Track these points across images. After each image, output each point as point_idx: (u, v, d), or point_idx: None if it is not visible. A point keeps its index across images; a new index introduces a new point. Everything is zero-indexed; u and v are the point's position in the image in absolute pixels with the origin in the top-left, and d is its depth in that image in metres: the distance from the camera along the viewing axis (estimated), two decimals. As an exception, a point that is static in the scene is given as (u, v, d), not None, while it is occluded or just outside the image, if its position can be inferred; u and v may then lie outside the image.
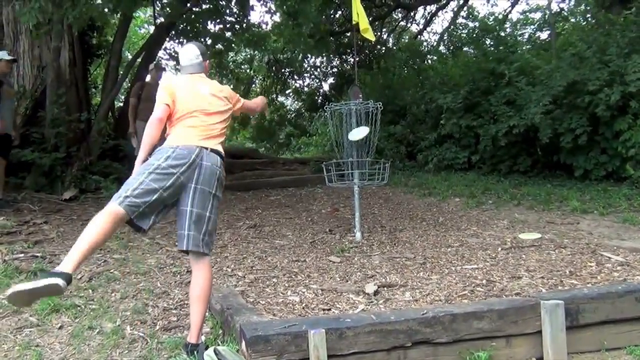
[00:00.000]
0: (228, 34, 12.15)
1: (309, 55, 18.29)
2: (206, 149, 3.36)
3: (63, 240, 5.95)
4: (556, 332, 3.26)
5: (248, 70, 21.63)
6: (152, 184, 3.14)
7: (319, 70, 21.29)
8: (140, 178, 3.16)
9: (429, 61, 17.56)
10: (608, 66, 8.79)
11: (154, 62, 9.24)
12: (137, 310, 4.09)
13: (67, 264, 2.95)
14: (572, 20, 17.49)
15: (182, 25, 11.34)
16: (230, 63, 19.18)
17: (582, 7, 16.49)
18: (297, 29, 12.86)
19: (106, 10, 8.41)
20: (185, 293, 4.46)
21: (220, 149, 3.48)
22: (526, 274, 4.69)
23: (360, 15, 6.59)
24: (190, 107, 3.46)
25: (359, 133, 5.96)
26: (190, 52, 3.69)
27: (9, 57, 7.25)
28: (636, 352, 3.36)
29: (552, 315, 3.27)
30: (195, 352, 3.18)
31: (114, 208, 3.08)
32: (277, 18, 14.69)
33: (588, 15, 15.11)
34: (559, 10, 17.84)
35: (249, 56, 20.25)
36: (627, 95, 8.31)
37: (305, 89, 22.19)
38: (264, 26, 14.87)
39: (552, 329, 3.26)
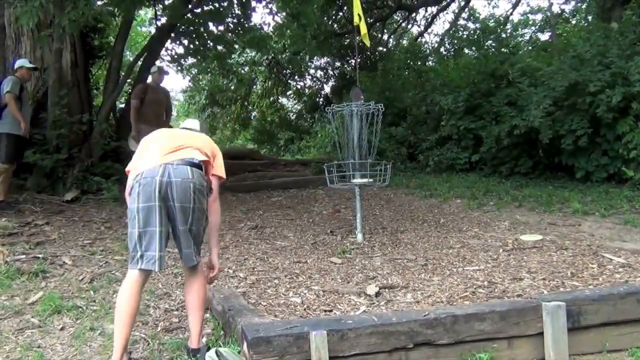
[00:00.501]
0: (229, 35, 12.15)
1: (310, 57, 18.31)
2: (171, 164, 3.20)
3: (64, 242, 5.95)
4: (558, 333, 3.26)
5: (249, 72, 21.62)
6: (149, 227, 3.11)
7: (320, 71, 21.32)
8: (136, 230, 3.12)
9: (431, 62, 17.58)
10: (609, 68, 8.78)
11: (156, 65, 9.25)
12: (138, 312, 4.08)
13: (116, 353, 3.07)
14: (573, 21, 17.51)
15: (183, 27, 11.33)
16: (233, 64, 19.17)
17: (583, 8, 16.51)
18: (299, 30, 12.87)
19: (104, 12, 8.42)
20: (187, 294, 4.47)
21: (191, 156, 3.29)
22: (528, 275, 4.69)
23: (361, 19, 6.61)
24: (158, 140, 3.43)
25: None
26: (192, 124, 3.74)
27: (30, 65, 7.55)
28: (638, 354, 3.35)
29: (553, 317, 3.26)
30: (197, 356, 3.18)
31: (136, 275, 3.13)
32: (278, 19, 14.71)
33: (589, 17, 15.13)
34: (559, 12, 17.85)
35: (250, 57, 20.23)
36: (629, 97, 8.30)
37: (307, 90, 22.21)
38: (265, 27, 14.90)
39: (554, 331, 3.26)
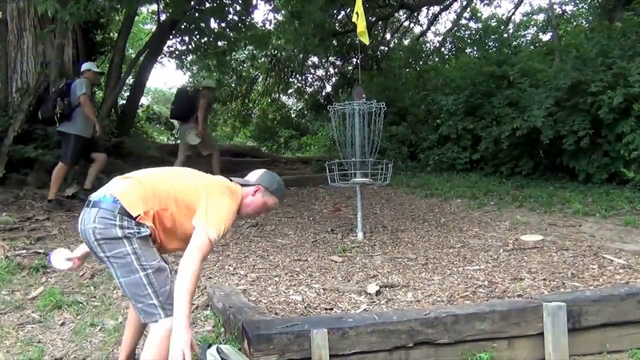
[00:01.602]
0: (230, 32, 12.16)
1: (311, 55, 18.31)
2: (87, 207, 2.77)
3: (65, 237, 5.96)
4: (558, 334, 3.26)
5: (250, 69, 21.62)
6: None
7: (321, 70, 21.31)
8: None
9: (433, 62, 17.58)
10: (611, 68, 8.78)
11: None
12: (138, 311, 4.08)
13: None
14: (574, 22, 17.50)
15: (185, 24, 11.34)
16: (233, 62, 19.18)
17: (585, 8, 16.51)
18: (300, 29, 12.86)
19: (106, 7, 8.41)
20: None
21: (110, 192, 2.72)
22: (528, 275, 4.69)
23: (360, 17, 6.59)
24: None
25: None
26: None
27: (97, 70, 8.03)
28: (638, 355, 3.36)
29: (554, 317, 3.27)
30: None
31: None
32: (280, 17, 14.71)
33: (591, 18, 15.13)
34: (561, 12, 17.85)
35: (251, 55, 20.23)
36: (630, 98, 8.30)
37: (308, 89, 22.21)
38: (267, 24, 14.91)
39: (554, 331, 3.26)
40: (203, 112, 8.71)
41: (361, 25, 6.64)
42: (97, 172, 7.67)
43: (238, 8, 11.93)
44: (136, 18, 13.67)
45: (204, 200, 2.78)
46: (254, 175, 3.14)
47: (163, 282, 2.68)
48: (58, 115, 7.23)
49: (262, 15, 24.33)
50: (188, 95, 9.19)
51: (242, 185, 3.07)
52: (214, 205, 2.78)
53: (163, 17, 11.53)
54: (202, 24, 11.61)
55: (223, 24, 12.07)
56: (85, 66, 7.78)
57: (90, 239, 2.67)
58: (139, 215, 2.66)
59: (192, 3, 10.83)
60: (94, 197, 2.76)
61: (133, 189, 2.75)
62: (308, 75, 21.88)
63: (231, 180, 3.08)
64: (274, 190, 3.11)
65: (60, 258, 3.01)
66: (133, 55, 13.62)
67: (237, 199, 2.97)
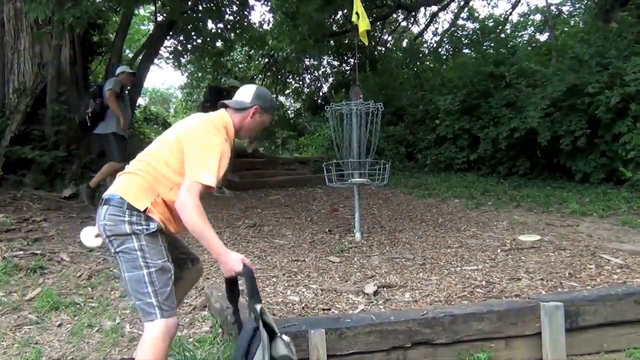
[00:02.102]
0: (228, 33, 12.16)
1: (308, 56, 18.29)
2: (100, 204, 2.83)
3: (62, 238, 5.95)
4: (556, 334, 3.27)
5: (247, 70, 21.60)
6: None
7: (318, 71, 21.29)
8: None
9: (430, 62, 17.59)
10: (607, 69, 8.79)
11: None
12: (136, 309, 4.08)
13: None
14: (572, 22, 17.52)
15: (182, 25, 11.34)
16: (229, 62, 19.16)
17: (582, 9, 16.54)
18: (294, 31, 12.85)
19: (105, 8, 8.41)
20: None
21: (116, 190, 2.80)
22: (525, 275, 4.70)
23: (360, 17, 6.59)
24: None
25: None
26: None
27: (131, 71, 8.24)
28: (635, 355, 3.37)
29: (551, 317, 3.27)
30: None
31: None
32: (277, 17, 14.70)
33: (587, 18, 15.15)
34: (557, 12, 17.87)
35: (245, 53, 20.22)
36: (627, 98, 8.31)
37: (306, 89, 22.19)
38: (264, 25, 14.90)
39: (552, 331, 3.27)
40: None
41: (363, 25, 6.64)
42: (107, 175, 7.63)
43: (235, 8, 11.93)
44: (133, 19, 13.67)
45: (187, 150, 2.77)
46: (247, 94, 3.08)
47: (165, 282, 2.69)
48: (89, 115, 7.40)
49: (259, 16, 24.30)
50: (222, 91, 9.18)
51: (238, 109, 3.05)
52: (197, 151, 2.75)
53: (160, 17, 11.52)
54: (200, 24, 11.61)
55: (220, 25, 12.07)
56: (119, 69, 8.09)
57: (102, 235, 2.75)
58: (147, 208, 2.70)
59: (190, 3, 10.83)
60: (105, 195, 2.82)
61: (132, 182, 2.79)
62: (305, 75, 21.87)
63: (226, 106, 3.07)
64: (269, 107, 3.13)
65: (90, 235, 3.06)
66: (130, 56, 13.61)
67: (224, 131, 2.91)
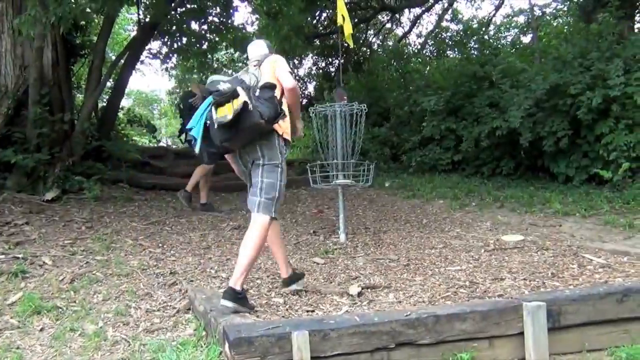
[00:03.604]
0: (212, 35, 12.12)
1: (292, 57, 18.26)
2: None
3: (45, 242, 5.89)
4: (538, 333, 3.28)
5: (231, 71, 21.52)
6: None
7: (303, 71, 21.29)
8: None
9: (414, 64, 17.64)
10: (590, 70, 8.87)
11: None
12: (119, 312, 4.06)
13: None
14: (555, 24, 17.65)
15: (166, 26, 11.28)
16: (215, 63, 19.07)
17: (565, 10, 16.65)
18: (277, 32, 12.83)
19: (89, 10, 8.34)
20: (169, 295, 4.45)
21: None
22: (509, 275, 4.72)
23: (345, 19, 6.60)
24: None
25: None
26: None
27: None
28: (617, 354, 3.39)
29: (534, 317, 3.29)
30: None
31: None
32: (261, 18, 14.67)
33: (570, 19, 15.27)
34: (540, 14, 17.99)
35: (230, 56, 20.13)
36: (609, 99, 8.39)
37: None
38: (248, 27, 14.86)
39: (534, 331, 3.28)
40: None
41: (347, 27, 6.65)
42: (199, 178, 8.09)
43: (218, 9, 11.89)
44: (117, 21, 13.58)
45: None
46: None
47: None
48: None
49: (243, 17, 24.24)
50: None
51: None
52: None
53: (144, 18, 11.46)
54: (184, 26, 11.56)
55: (204, 26, 12.03)
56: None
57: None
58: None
59: (173, 5, 10.78)
60: None
61: None
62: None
63: None
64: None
65: None
66: (114, 58, 13.51)
67: None
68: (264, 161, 3.93)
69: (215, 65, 19.10)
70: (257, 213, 3.97)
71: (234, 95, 3.54)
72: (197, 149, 3.71)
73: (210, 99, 3.61)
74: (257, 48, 4.34)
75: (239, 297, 3.66)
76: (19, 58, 8.96)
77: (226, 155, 4.14)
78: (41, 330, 3.81)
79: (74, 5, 7.13)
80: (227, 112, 3.52)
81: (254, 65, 4.11)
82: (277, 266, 5.19)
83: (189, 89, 10.19)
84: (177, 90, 22.27)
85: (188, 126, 3.70)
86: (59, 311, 4.09)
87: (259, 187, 3.94)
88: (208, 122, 3.66)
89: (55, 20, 7.12)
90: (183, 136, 7.87)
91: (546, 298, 3.44)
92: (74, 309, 4.16)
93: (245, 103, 3.54)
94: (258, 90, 3.75)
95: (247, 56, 4.38)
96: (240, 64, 20.85)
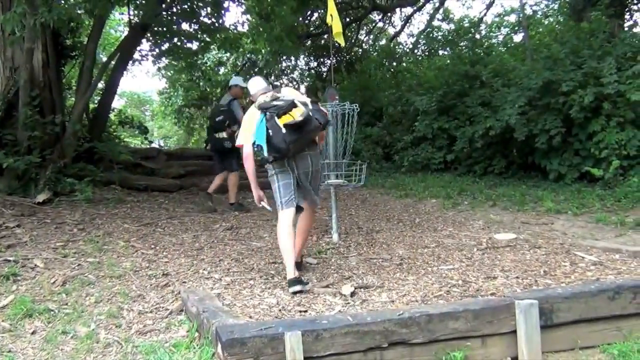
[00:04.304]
0: (202, 35, 12.09)
1: (284, 57, 18.28)
2: None
3: (36, 244, 5.86)
4: (530, 331, 3.29)
5: (223, 72, 21.49)
6: None
7: (296, 72, 21.29)
8: None
9: (405, 64, 17.68)
10: (581, 68, 8.90)
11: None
12: (111, 314, 4.04)
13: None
14: (546, 22, 17.71)
15: (157, 27, 11.25)
16: (205, 64, 19.06)
17: (556, 8, 16.71)
18: (269, 32, 12.81)
19: (81, 11, 8.31)
20: (161, 296, 4.44)
21: None
22: (501, 274, 4.73)
23: (334, 18, 6.59)
24: None
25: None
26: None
27: (244, 85, 8.13)
28: (609, 350, 3.40)
29: (526, 315, 3.29)
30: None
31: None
32: (252, 19, 14.65)
33: (560, 18, 15.32)
34: (531, 13, 18.06)
35: (220, 57, 20.11)
36: (601, 97, 8.43)
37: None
38: (239, 27, 14.84)
39: (527, 329, 3.29)
40: None
41: (337, 26, 6.64)
42: (235, 186, 8.35)
43: (209, 10, 11.86)
44: (107, 23, 13.53)
45: None
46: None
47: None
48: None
49: (235, 18, 24.19)
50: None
51: None
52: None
53: (135, 19, 11.42)
54: (174, 27, 11.53)
55: (196, 27, 12.00)
56: (232, 81, 8.69)
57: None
58: None
59: (164, 6, 10.75)
60: None
61: None
62: (283, 77, 21.82)
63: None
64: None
65: None
66: (104, 60, 13.45)
67: None
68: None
69: (207, 64, 19.08)
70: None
71: (292, 106, 4.42)
72: (265, 153, 4.59)
73: (263, 115, 4.55)
74: (260, 82, 5.04)
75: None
76: (9, 60, 8.92)
77: None
78: (33, 333, 3.78)
79: (63, 10, 7.09)
80: (292, 118, 4.37)
81: (270, 92, 4.80)
82: (270, 267, 5.22)
83: (218, 101, 10.33)
84: (167, 90, 22.25)
85: (256, 141, 4.62)
86: (50, 314, 4.07)
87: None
88: (271, 131, 4.46)
89: (48, 21, 7.10)
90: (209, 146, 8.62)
91: (538, 296, 3.45)
92: (66, 311, 4.14)
93: (308, 110, 4.45)
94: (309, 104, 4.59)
95: (250, 91, 5.05)
96: (230, 65, 20.89)
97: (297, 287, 4.31)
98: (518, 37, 18.02)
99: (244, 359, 2.89)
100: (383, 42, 21.81)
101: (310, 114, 4.46)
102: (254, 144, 4.63)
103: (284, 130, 4.38)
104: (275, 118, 4.44)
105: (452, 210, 7.77)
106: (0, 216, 6.90)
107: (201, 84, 20.73)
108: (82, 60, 10.25)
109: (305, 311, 4.00)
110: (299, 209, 4.84)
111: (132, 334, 3.73)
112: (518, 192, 8.40)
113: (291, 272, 4.38)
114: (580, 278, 4.53)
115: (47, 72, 9.25)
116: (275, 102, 4.53)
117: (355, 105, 6.22)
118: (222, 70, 21.31)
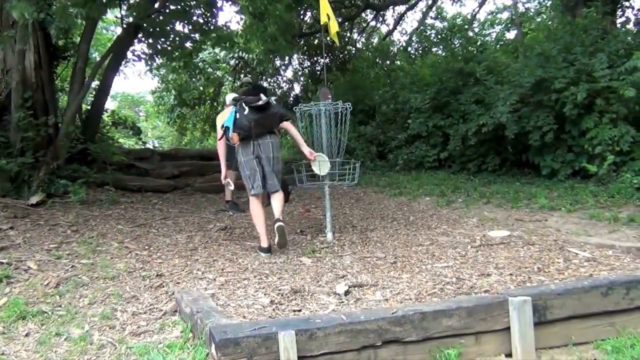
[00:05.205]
0: (196, 35, 12.06)
1: (278, 56, 18.25)
2: None
3: (30, 246, 5.83)
4: (524, 328, 3.30)
5: (217, 71, 21.47)
6: None
7: (290, 71, 21.29)
8: None
9: (399, 62, 17.68)
10: (573, 64, 8.92)
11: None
12: (105, 316, 4.03)
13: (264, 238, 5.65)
14: (538, 19, 17.74)
15: (150, 28, 11.21)
16: (201, 63, 19.01)
17: (548, 5, 16.74)
18: (262, 31, 12.79)
19: (75, 13, 8.28)
20: (155, 297, 4.43)
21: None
22: (495, 271, 4.74)
23: (330, 18, 6.60)
24: None
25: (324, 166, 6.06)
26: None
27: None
28: (603, 346, 3.42)
29: (520, 312, 3.30)
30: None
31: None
32: (245, 18, 14.62)
33: (553, 14, 15.35)
34: (524, 10, 18.09)
35: (215, 56, 20.08)
36: (593, 93, 8.45)
37: (277, 90, 22.13)
38: (232, 26, 14.79)
39: (520, 325, 3.30)
40: None
41: (334, 26, 6.65)
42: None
43: (202, 9, 11.83)
44: (100, 24, 13.47)
45: None
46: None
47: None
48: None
49: (228, 17, 24.14)
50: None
51: None
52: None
53: (128, 19, 11.38)
54: (168, 27, 11.49)
55: (189, 27, 11.97)
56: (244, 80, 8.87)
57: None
58: None
59: (156, 6, 10.72)
60: None
61: None
62: (277, 76, 21.80)
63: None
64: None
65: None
66: (97, 60, 13.40)
67: None
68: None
69: (202, 66, 19.04)
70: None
71: (259, 99, 5.54)
72: (230, 134, 5.54)
73: (234, 108, 5.64)
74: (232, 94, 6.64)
75: None
76: (1, 62, 8.90)
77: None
78: (26, 335, 3.77)
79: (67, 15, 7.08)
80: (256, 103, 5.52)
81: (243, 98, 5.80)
82: (263, 267, 5.22)
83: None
84: (159, 89, 22.20)
85: (224, 123, 5.64)
86: (44, 316, 4.06)
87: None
88: (238, 114, 5.54)
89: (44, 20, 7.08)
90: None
91: (532, 292, 3.46)
92: (59, 313, 4.13)
93: (270, 100, 5.63)
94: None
95: (234, 97, 6.10)
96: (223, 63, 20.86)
97: (268, 254, 5.55)
98: (511, 35, 18.07)
99: (238, 359, 2.89)
100: (376, 40, 21.81)
101: (272, 101, 5.73)
102: (222, 126, 5.66)
103: (247, 111, 5.53)
104: (243, 104, 5.58)
105: (446, 208, 7.78)
106: (-8, 218, 6.88)
107: (197, 83, 20.70)
108: (75, 61, 10.23)
109: (299, 310, 4.00)
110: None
111: (126, 335, 3.72)
112: (512, 189, 8.42)
113: (264, 241, 5.61)
114: (573, 274, 4.54)
115: (39, 73, 9.23)
116: (244, 96, 5.78)
117: (348, 104, 6.22)
118: (218, 72, 21.32)
